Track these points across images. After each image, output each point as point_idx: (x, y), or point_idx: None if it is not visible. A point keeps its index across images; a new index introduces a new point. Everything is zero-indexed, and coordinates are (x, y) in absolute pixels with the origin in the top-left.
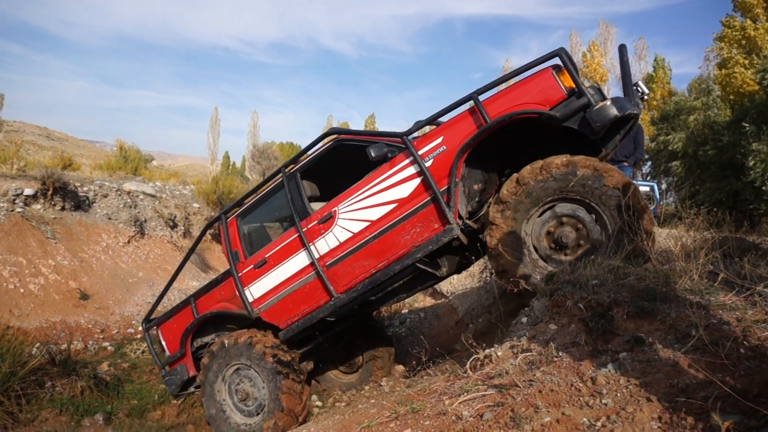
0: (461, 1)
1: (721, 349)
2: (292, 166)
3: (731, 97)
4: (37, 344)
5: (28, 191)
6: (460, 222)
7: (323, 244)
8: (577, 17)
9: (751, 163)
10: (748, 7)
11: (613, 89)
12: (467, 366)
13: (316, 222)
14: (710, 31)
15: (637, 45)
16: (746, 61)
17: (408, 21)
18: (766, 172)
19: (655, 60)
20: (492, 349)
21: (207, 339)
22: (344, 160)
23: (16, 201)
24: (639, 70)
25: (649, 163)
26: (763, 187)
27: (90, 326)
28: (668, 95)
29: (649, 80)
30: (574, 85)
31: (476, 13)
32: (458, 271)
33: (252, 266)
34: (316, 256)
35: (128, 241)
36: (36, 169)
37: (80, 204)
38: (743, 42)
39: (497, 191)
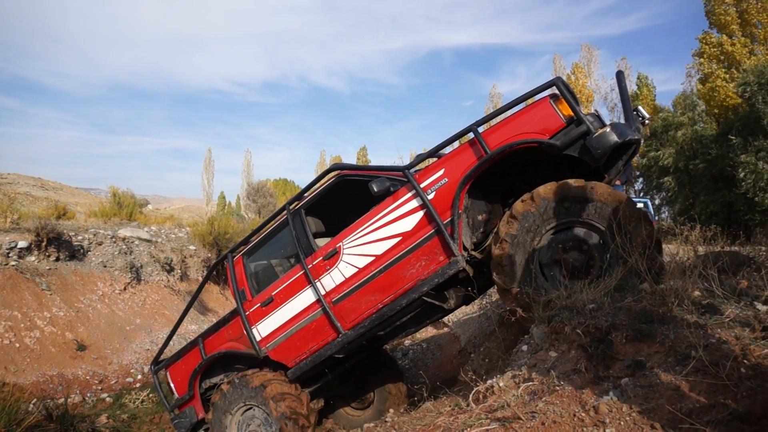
0: (448, 33)
1: (721, 370)
2: (296, 203)
3: (716, 111)
4: (34, 400)
5: (22, 244)
6: (465, 253)
7: (329, 281)
8: (561, 42)
9: (742, 175)
10: (724, 24)
11: (599, 110)
12: (470, 399)
13: (321, 258)
14: (690, 48)
15: (620, 65)
16: (726, 75)
17: (397, 54)
18: (757, 183)
19: (638, 78)
20: (494, 379)
21: (215, 380)
22: (347, 196)
23: (10, 254)
24: None
25: (640, 179)
26: (756, 198)
27: (88, 378)
28: (654, 112)
29: (633, 98)
30: (572, 113)
31: (463, 43)
32: (466, 303)
33: (259, 304)
34: (323, 292)
35: (124, 288)
36: (30, 220)
37: (75, 253)
38: (722, 57)
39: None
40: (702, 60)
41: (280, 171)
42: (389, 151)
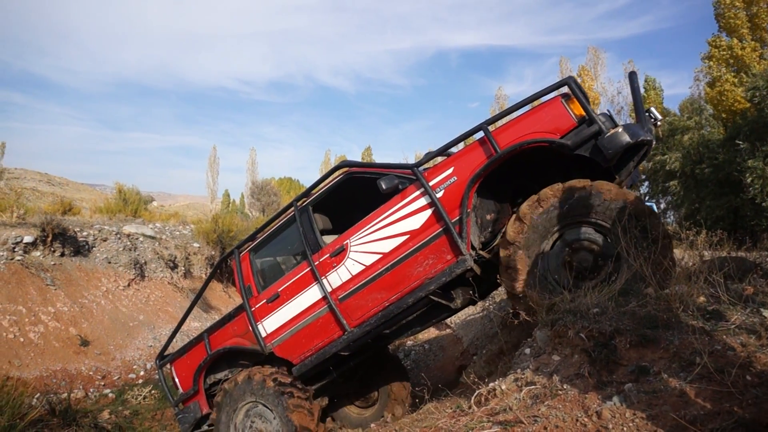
0: (455, 34)
1: (727, 377)
2: (304, 199)
3: (723, 115)
4: (37, 394)
5: (27, 239)
6: (473, 253)
7: (335, 278)
8: (568, 44)
9: (749, 180)
10: (734, 28)
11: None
12: (472, 401)
13: (328, 255)
14: (699, 52)
15: (626, 68)
16: (735, 80)
17: (404, 55)
18: (764, 188)
19: (645, 81)
20: (496, 382)
21: (220, 375)
22: (356, 193)
23: (16, 249)
24: (629, 93)
25: (646, 183)
26: (763, 204)
27: (91, 373)
28: (661, 115)
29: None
30: (584, 113)
31: (470, 44)
32: (473, 303)
33: (265, 301)
34: (329, 289)
35: (128, 285)
36: (36, 215)
37: (80, 249)
38: (731, 61)
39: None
40: (711, 63)
41: (285, 170)
42: (394, 151)
